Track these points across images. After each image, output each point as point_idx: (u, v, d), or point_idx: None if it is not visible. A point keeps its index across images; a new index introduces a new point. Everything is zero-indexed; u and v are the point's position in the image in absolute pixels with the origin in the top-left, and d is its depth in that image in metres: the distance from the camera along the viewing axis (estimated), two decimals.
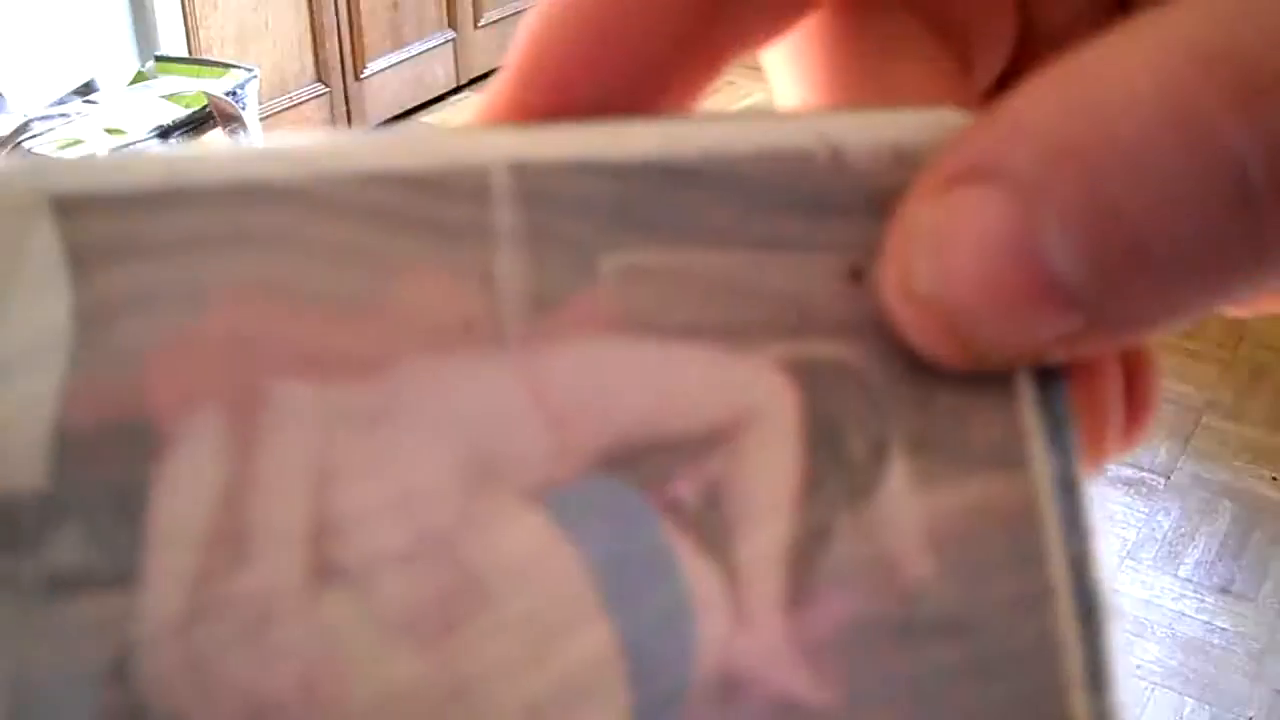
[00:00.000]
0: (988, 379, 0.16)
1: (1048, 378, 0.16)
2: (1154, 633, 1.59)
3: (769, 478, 0.15)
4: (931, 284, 0.15)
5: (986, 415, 0.16)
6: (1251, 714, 1.57)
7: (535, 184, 0.15)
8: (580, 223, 0.15)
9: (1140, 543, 1.74)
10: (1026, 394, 0.16)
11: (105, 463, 0.14)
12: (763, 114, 0.17)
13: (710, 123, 0.16)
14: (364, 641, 0.14)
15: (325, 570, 0.14)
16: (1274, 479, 1.86)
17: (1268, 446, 1.92)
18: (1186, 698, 1.53)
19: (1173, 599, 1.65)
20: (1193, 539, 1.77)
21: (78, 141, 1.45)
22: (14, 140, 1.44)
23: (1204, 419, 1.97)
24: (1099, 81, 0.14)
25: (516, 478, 0.15)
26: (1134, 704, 1.41)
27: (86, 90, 1.54)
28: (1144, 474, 1.86)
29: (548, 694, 0.15)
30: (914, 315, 0.15)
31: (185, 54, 1.68)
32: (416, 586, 0.15)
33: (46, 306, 0.14)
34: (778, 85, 0.19)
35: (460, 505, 0.15)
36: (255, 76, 1.66)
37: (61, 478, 0.14)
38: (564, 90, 0.16)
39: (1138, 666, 1.56)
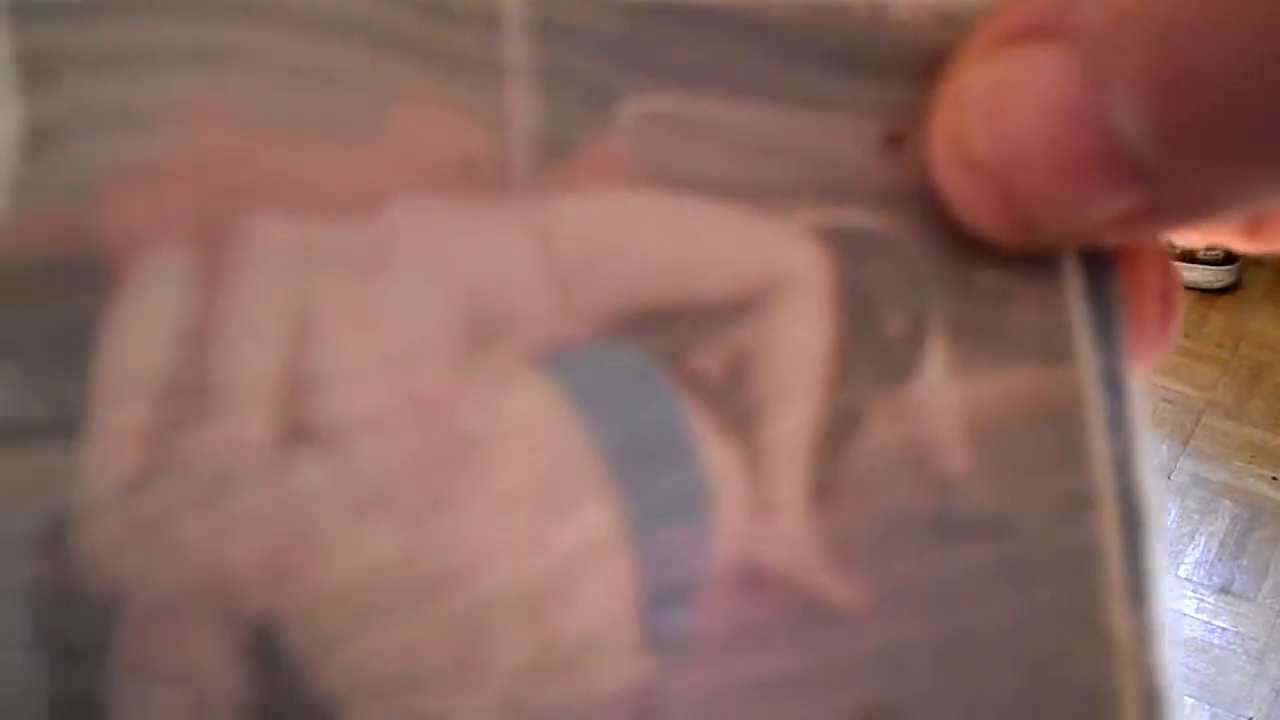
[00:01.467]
0: (1033, 262, 0.14)
1: (1096, 265, 0.14)
2: None
3: (799, 353, 0.14)
4: (986, 148, 0.13)
5: (1031, 301, 0.14)
6: (1251, 714, 1.57)
7: (552, 15, 0.14)
8: (599, 62, 0.14)
9: None
10: (1074, 281, 0.14)
11: (48, 300, 0.13)
12: None
13: None
14: (338, 513, 0.13)
15: (298, 430, 0.13)
16: (1274, 479, 1.86)
17: (1268, 446, 1.92)
18: (1186, 697, 1.53)
19: (1173, 599, 1.64)
20: (1193, 539, 1.76)
21: None
22: None
23: (1204, 419, 1.97)
24: None
25: (519, 337, 0.13)
26: None
27: None
28: None
29: (547, 578, 0.13)
30: (965, 183, 0.14)
31: None
32: (402, 454, 0.13)
33: None
34: None
35: (455, 366, 0.13)
36: None
37: (2, 317, 0.13)
38: None
39: None
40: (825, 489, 0.14)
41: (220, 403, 0.13)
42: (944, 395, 0.14)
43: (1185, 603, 1.65)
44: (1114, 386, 0.14)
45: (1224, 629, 1.68)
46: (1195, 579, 1.72)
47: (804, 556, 0.14)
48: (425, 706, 0.13)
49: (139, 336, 0.13)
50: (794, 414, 0.14)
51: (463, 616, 0.13)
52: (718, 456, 0.14)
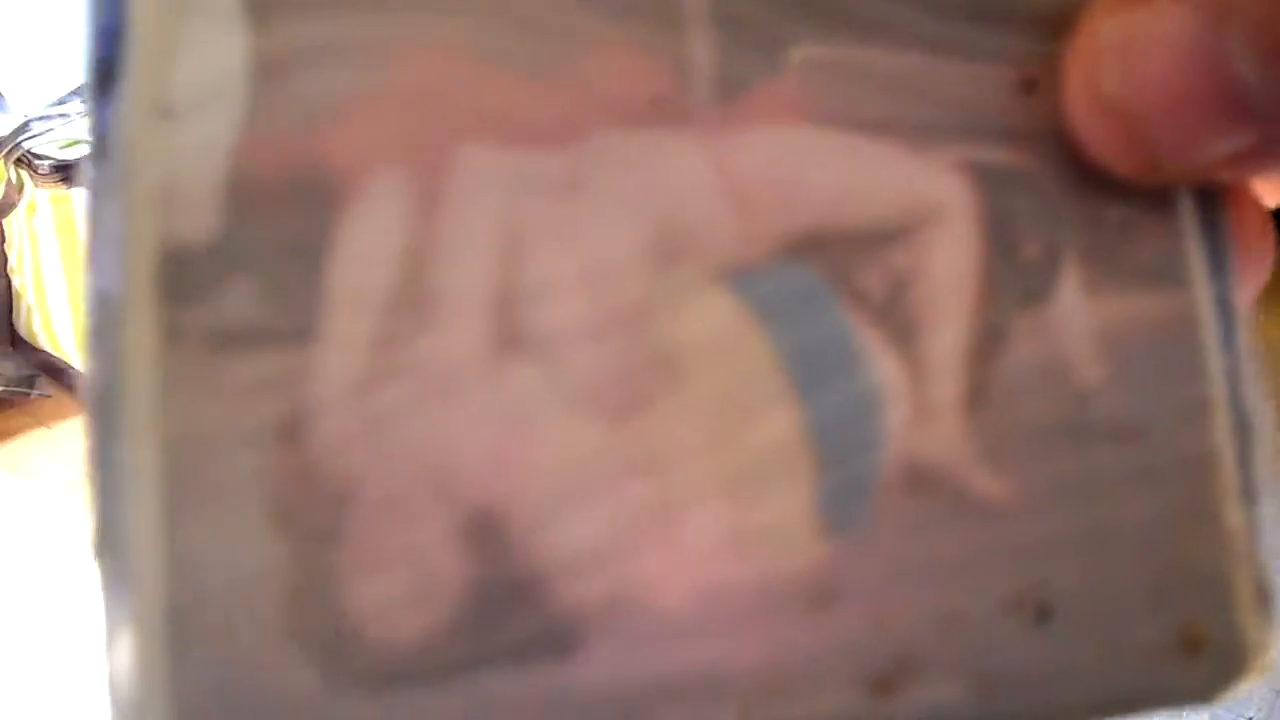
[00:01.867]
0: (1155, 197, 0.16)
1: (1209, 201, 0.16)
2: None
3: (951, 275, 0.15)
4: (1119, 90, 0.15)
5: (1153, 233, 0.16)
6: (1251, 714, 1.57)
7: None
8: (768, 11, 0.15)
9: None
10: (1190, 215, 0.16)
11: (282, 216, 0.14)
12: None
13: None
14: (551, 412, 0.14)
15: (512, 338, 0.14)
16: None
17: None
18: None
19: None
20: None
21: (78, 141, 1.44)
22: (14, 140, 1.44)
23: None
24: None
25: (704, 258, 0.15)
26: None
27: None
28: None
29: (736, 473, 0.14)
30: (1097, 123, 0.15)
31: None
32: (605, 360, 0.14)
33: (222, 50, 0.14)
34: None
35: (649, 281, 0.14)
36: None
37: (235, 229, 0.14)
38: None
39: None
40: (977, 397, 0.15)
41: (440, 313, 0.14)
42: (1078, 315, 0.16)
43: None
44: (1225, 310, 0.16)
45: None
46: None
47: (961, 456, 0.15)
48: (629, 576, 0.14)
49: (365, 252, 0.14)
50: (949, 329, 0.15)
51: (662, 500, 0.14)
52: (884, 367, 0.15)
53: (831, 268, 0.15)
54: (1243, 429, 0.16)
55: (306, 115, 0.14)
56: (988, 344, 0.15)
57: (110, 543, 0.14)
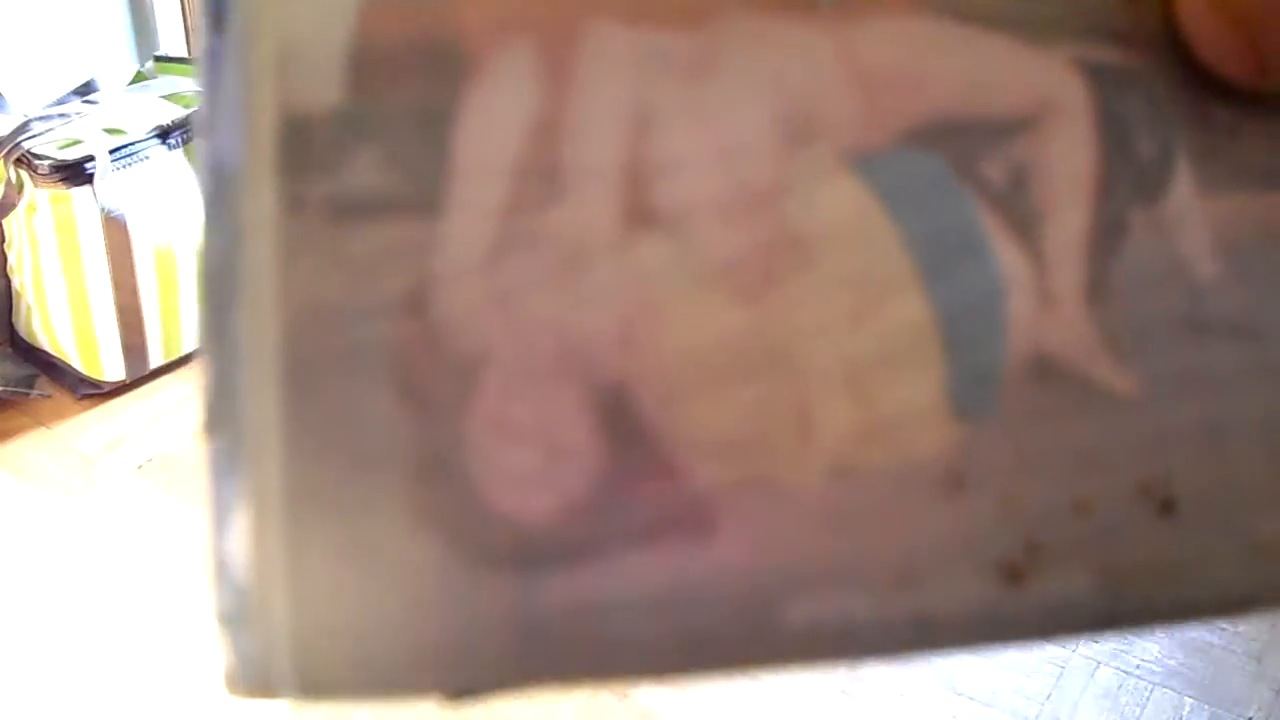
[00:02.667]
0: (1260, 102, 0.16)
1: None
2: (1154, 632, 1.59)
3: (1070, 167, 0.15)
4: None
5: (1260, 136, 0.16)
6: (1251, 714, 1.57)
7: None
8: None
9: None
10: None
11: (409, 84, 0.13)
12: None
13: None
14: (682, 288, 0.14)
15: (642, 214, 0.14)
16: None
17: None
18: (1186, 697, 1.53)
19: None
20: None
21: (77, 141, 1.43)
22: (14, 140, 1.43)
23: None
24: None
25: (832, 141, 0.14)
26: (1134, 704, 1.41)
27: (86, 90, 1.52)
28: None
29: (866, 356, 0.14)
30: (1210, 25, 0.15)
31: (185, 54, 1.67)
32: (737, 238, 0.14)
33: None
34: None
35: (779, 162, 0.14)
36: None
37: (360, 96, 0.13)
38: None
39: (1137, 666, 1.56)
40: (1099, 287, 0.15)
41: (569, 186, 0.14)
42: (1194, 211, 0.15)
43: None
44: None
45: (1224, 629, 1.69)
46: None
47: (1084, 344, 0.15)
48: (762, 460, 0.14)
49: (493, 122, 0.14)
50: (1070, 219, 0.15)
51: (794, 383, 0.14)
52: (1009, 254, 0.15)
53: (954, 156, 0.15)
54: None
55: None
56: (1106, 237, 0.15)
57: (224, 417, 0.13)
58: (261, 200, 0.13)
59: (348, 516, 0.13)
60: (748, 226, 0.14)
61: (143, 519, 1.30)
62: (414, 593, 0.13)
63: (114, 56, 1.71)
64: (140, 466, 1.38)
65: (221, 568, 0.13)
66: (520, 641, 0.13)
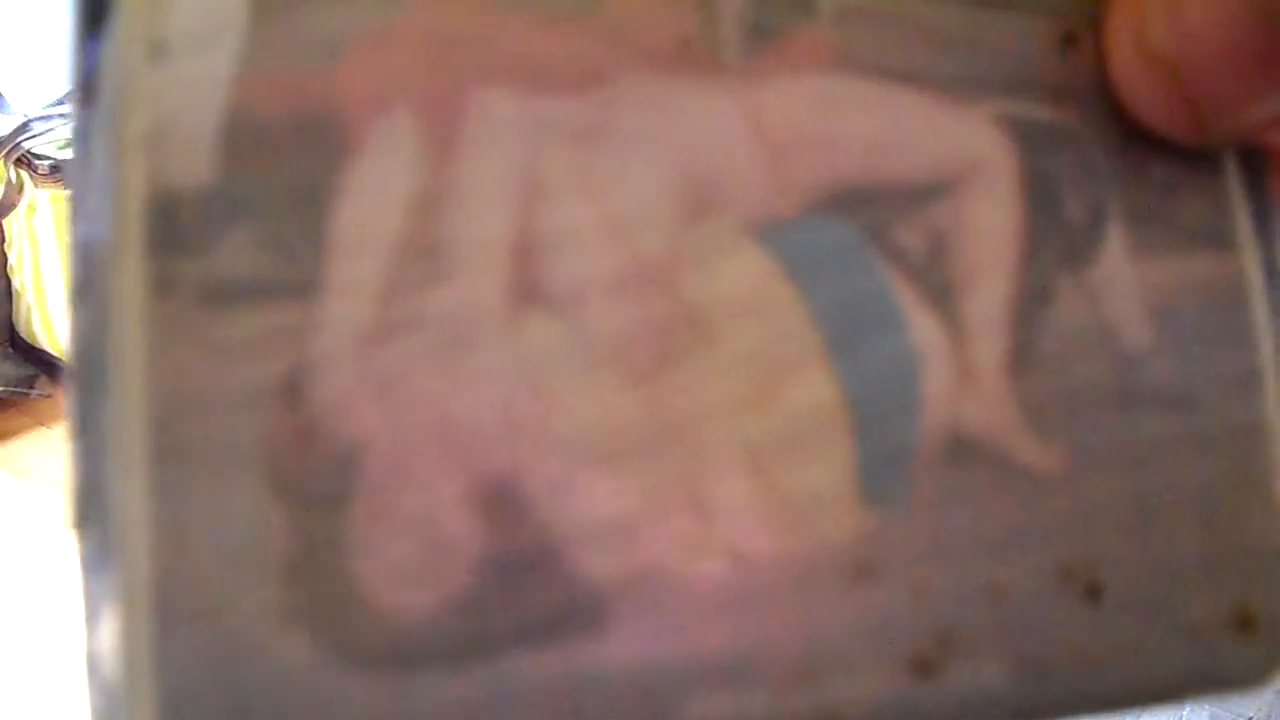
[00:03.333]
0: (1199, 158, 0.15)
1: (1254, 164, 0.15)
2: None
3: (992, 231, 0.14)
4: (1164, 42, 0.14)
5: (1197, 193, 0.15)
6: (1251, 714, 1.57)
7: None
8: None
9: None
10: (1234, 177, 0.15)
11: (286, 161, 0.13)
12: None
13: None
14: (571, 370, 0.13)
15: (529, 291, 0.13)
16: None
17: None
18: None
19: None
20: None
21: None
22: (14, 140, 1.43)
23: None
24: None
25: (735, 209, 0.14)
26: None
27: None
28: None
29: (769, 438, 0.13)
30: (1142, 77, 0.14)
31: None
32: (630, 315, 0.13)
33: None
34: None
35: (677, 233, 0.13)
36: None
37: (234, 174, 0.13)
38: None
39: None
40: (1021, 359, 0.14)
41: (453, 263, 0.13)
42: (1125, 276, 0.15)
43: None
44: (1273, 275, 0.15)
45: None
46: None
47: (1004, 420, 0.14)
48: (656, 548, 0.13)
49: (374, 198, 0.13)
50: (991, 288, 0.14)
51: (690, 467, 0.13)
52: (923, 326, 0.14)
53: (867, 222, 0.14)
54: None
55: (312, 54, 0.13)
56: (1031, 305, 0.14)
57: (93, 512, 0.13)
58: (129, 283, 0.13)
59: (217, 615, 0.12)
60: (642, 302, 0.13)
61: None
62: (285, 694, 0.12)
63: None
64: None
65: (93, 666, 0.13)
66: None
